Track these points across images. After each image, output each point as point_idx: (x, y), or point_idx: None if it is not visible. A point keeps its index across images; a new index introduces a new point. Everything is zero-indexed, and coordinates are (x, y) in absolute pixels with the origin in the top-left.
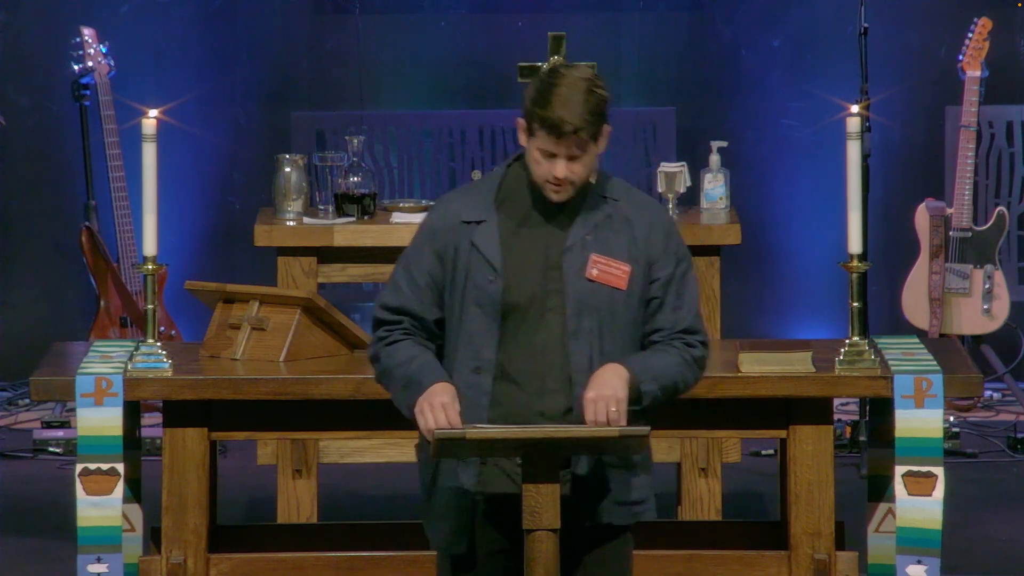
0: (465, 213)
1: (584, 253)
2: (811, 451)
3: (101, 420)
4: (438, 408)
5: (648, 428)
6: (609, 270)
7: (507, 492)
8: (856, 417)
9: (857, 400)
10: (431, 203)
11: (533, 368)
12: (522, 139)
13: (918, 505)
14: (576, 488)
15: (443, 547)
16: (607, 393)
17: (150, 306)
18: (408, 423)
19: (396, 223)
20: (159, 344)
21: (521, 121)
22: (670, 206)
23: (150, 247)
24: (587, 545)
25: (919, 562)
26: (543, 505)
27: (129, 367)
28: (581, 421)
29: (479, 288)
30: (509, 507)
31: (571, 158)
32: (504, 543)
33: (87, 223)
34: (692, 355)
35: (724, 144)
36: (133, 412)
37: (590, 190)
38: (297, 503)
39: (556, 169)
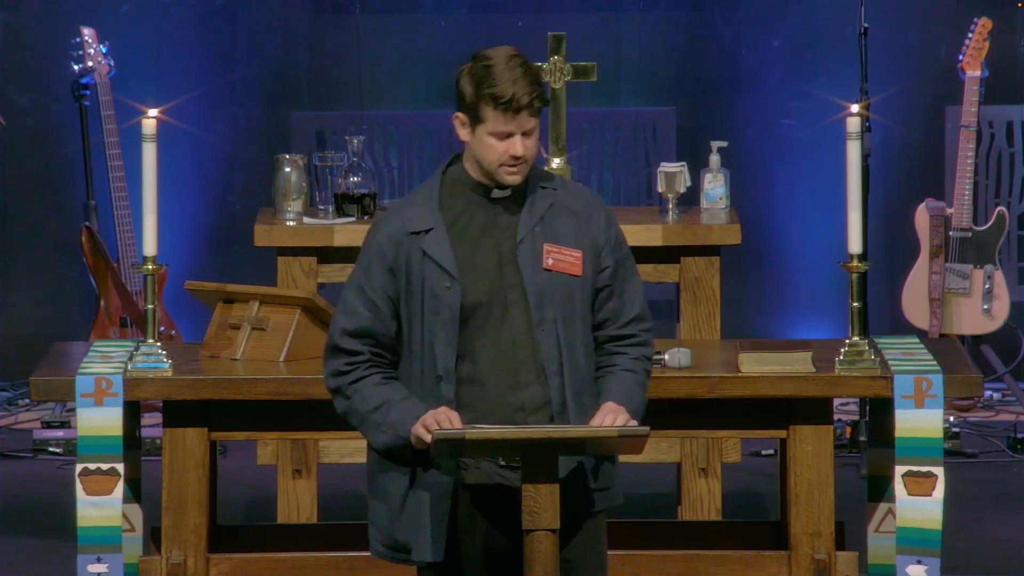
0: (411, 224)
1: (537, 244)
2: (811, 451)
3: (101, 420)
4: (441, 415)
5: (647, 429)
6: (563, 258)
7: (488, 483)
8: (856, 417)
9: (857, 400)
10: None
11: (504, 364)
12: (464, 134)
13: (918, 505)
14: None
15: (423, 555)
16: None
17: (150, 306)
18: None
19: None
20: (159, 344)
21: (461, 115)
22: (670, 206)
23: (150, 247)
24: (565, 534)
25: (919, 562)
26: (542, 505)
27: (129, 367)
28: (563, 413)
29: (436, 297)
30: (492, 502)
31: (525, 134)
32: (488, 542)
33: (87, 223)
34: (645, 356)
35: (724, 144)
36: (133, 412)
37: (529, 179)
38: (297, 503)
39: (515, 147)
